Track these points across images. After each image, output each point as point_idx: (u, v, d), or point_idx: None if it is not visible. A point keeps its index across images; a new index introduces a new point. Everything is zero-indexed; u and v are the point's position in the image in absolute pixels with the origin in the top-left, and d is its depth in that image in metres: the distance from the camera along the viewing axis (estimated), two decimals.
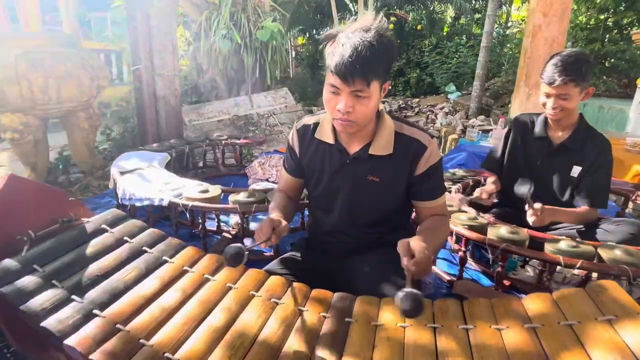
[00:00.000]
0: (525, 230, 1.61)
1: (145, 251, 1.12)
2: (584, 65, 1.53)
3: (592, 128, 1.73)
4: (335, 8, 5.52)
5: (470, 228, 1.65)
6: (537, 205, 1.52)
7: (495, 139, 4.10)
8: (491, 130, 5.20)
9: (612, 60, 6.83)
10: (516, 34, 10.30)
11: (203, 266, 1.09)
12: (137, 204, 1.95)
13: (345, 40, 0.96)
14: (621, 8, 6.55)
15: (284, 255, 1.30)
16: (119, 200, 2.08)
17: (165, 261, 1.09)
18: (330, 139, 1.17)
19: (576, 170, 1.71)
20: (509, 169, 1.88)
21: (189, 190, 1.93)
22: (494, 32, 7.06)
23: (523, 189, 1.56)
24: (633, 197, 2.10)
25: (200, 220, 1.89)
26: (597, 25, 6.98)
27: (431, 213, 1.18)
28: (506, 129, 1.91)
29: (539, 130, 1.75)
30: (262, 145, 4.05)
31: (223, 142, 3.18)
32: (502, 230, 1.59)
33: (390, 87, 1.27)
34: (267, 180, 3.12)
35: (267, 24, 4.29)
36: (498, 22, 9.07)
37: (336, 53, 0.96)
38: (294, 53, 12.75)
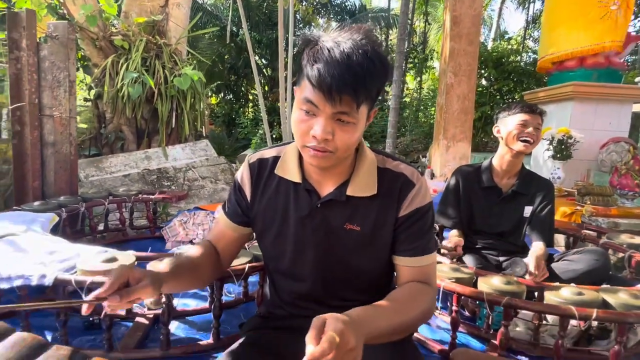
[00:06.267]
0: (515, 277, 1.46)
1: None
2: None
3: (533, 172, 1.87)
4: (255, 67, 5.41)
5: (459, 281, 1.42)
6: (535, 265, 1.57)
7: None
8: None
9: None
10: (413, 102, 11.96)
11: None
12: (4, 285, 1.31)
13: (332, 44, 0.71)
14: (500, 78, 7.76)
15: (234, 348, 0.87)
16: None
17: None
18: (296, 177, 0.89)
19: (528, 210, 1.81)
20: (467, 221, 1.89)
21: (87, 261, 1.37)
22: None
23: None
24: (582, 236, 2.11)
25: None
26: (483, 92, 8.13)
27: (411, 277, 0.86)
28: (450, 182, 1.91)
29: (487, 180, 1.82)
30: (181, 202, 3.50)
31: (132, 198, 2.60)
32: (496, 281, 1.37)
33: None
34: (190, 242, 2.58)
35: (187, 70, 3.93)
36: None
37: (320, 59, 0.71)
38: (207, 111, 12.45)
